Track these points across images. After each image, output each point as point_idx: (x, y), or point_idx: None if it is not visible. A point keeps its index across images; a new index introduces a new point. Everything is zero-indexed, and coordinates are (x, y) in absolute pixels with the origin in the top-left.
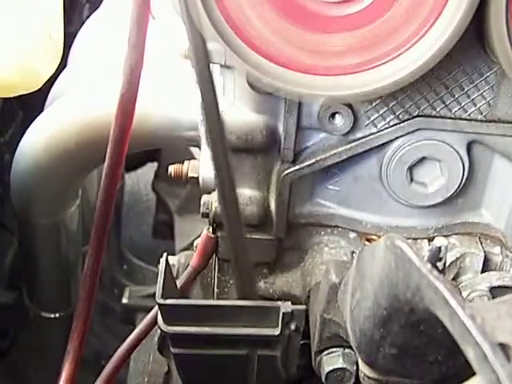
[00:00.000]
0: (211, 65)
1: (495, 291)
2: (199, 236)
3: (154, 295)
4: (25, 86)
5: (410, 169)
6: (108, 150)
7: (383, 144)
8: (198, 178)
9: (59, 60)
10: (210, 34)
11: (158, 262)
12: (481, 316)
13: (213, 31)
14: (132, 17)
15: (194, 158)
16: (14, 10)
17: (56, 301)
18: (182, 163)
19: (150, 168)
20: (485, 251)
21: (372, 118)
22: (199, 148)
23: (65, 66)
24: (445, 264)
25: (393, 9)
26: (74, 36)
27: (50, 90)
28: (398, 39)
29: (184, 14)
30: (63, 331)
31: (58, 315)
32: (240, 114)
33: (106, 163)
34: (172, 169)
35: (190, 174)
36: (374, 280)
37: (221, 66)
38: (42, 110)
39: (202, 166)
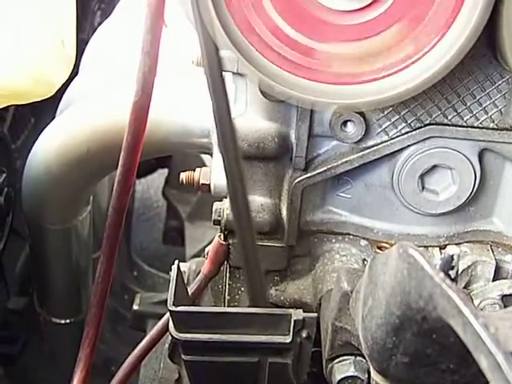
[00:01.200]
0: (224, 72)
1: (507, 299)
2: (210, 243)
3: (164, 302)
4: (38, 93)
5: (422, 177)
6: (121, 157)
7: (395, 152)
8: (209, 185)
9: (72, 67)
10: (223, 42)
11: (169, 269)
12: (494, 325)
13: (225, 39)
14: (146, 24)
15: (205, 165)
16: (27, 18)
17: (67, 307)
18: (194, 170)
19: (161, 174)
20: (496, 259)
21: (384, 126)
22: (211, 155)
23: (77, 72)
24: (457, 272)
25: (404, 17)
26: (86, 43)
27: (61, 96)
28: (410, 48)
29: (197, 21)
30: (74, 337)
31: (68, 321)
32: (252, 121)
33: (118, 171)
34: (184, 176)
35: (201, 181)
36: (387, 288)
37: (233, 73)
38: (53, 117)
39: (213, 173)
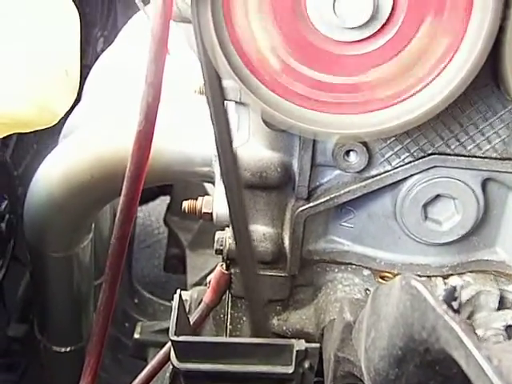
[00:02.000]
0: (226, 101)
1: (511, 330)
2: (212, 271)
3: (166, 330)
4: (41, 122)
5: (425, 206)
6: (124, 186)
7: (398, 181)
8: (211, 213)
9: (75, 96)
10: (225, 72)
11: (170, 296)
12: (497, 357)
13: (228, 69)
14: (150, 54)
15: (208, 194)
16: (31, 47)
17: (67, 335)
18: (196, 199)
19: (162, 201)
20: (500, 289)
21: (386, 156)
22: (213, 184)
23: (79, 98)
24: (460, 303)
25: (406, 49)
26: (89, 69)
27: (64, 122)
28: (412, 78)
29: (200, 51)
30: (74, 365)
31: (68, 349)
32: (254, 150)
33: (121, 200)
34: (186, 204)
35: (203, 210)
36: (390, 319)
37: (236, 102)
38: (56, 143)
39: (215, 201)
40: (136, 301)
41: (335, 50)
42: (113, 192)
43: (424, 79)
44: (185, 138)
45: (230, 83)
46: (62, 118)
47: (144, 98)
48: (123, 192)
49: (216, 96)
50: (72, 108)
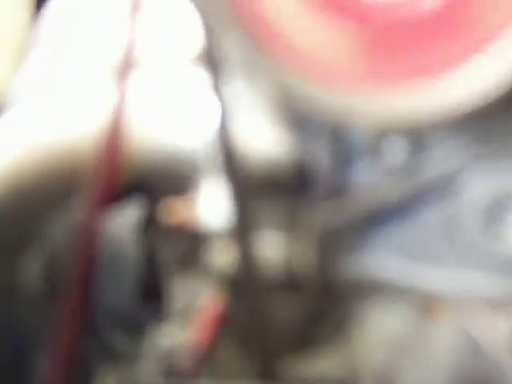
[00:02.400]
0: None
1: None
2: (204, 302)
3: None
4: None
5: (488, 210)
6: (88, 186)
7: (451, 179)
8: (201, 223)
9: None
10: (230, 33)
11: (149, 338)
12: None
13: (234, 28)
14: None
15: (196, 197)
16: None
17: None
18: (181, 203)
19: (135, 208)
20: None
21: (435, 150)
22: (203, 185)
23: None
24: None
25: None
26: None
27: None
28: (472, 43)
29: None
30: None
31: None
32: (263, 139)
33: (85, 204)
34: (167, 211)
35: (191, 219)
36: (440, 369)
37: (240, 77)
38: None
39: (207, 207)
40: (103, 345)
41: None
42: (69, 194)
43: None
44: (170, 122)
45: (235, 48)
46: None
47: (119, 67)
48: (87, 193)
49: (217, 65)
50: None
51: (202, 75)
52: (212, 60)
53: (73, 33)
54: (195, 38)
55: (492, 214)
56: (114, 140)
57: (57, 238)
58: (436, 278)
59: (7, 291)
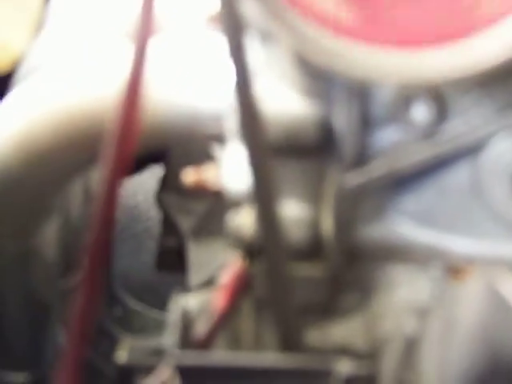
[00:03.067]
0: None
1: None
2: (224, 268)
3: (161, 351)
4: None
5: None
6: (106, 151)
7: (479, 143)
8: (221, 188)
9: (35, 26)
10: None
11: (165, 305)
12: None
13: None
14: None
15: (216, 161)
16: None
17: (24, 356)
18: (200, 168)
19: (152, 173)
20: None
21: (464, 108)
22: (224, 148)
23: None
24: None
25: None
26: None
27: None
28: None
29: None
30: None
31: (23, 379)
32: (285, 100)
33: (103, 170)
34: (187, 175)
35: (211, 183)
36: (467, 331)
37: (261, 35)
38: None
39: (227, 171)
40: (117, 312)
41: None
42: (86, 161)
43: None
44: (187, 85)
45: (252, 7)
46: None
47: (138, 30)
48: (106, 158)
49: (234, 25)
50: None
51: (220, 37)
52: (230, 20)
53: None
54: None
55: None
56: (132, 103)
57: (74, 205)
58: (462, 244)
59: (23, 259)
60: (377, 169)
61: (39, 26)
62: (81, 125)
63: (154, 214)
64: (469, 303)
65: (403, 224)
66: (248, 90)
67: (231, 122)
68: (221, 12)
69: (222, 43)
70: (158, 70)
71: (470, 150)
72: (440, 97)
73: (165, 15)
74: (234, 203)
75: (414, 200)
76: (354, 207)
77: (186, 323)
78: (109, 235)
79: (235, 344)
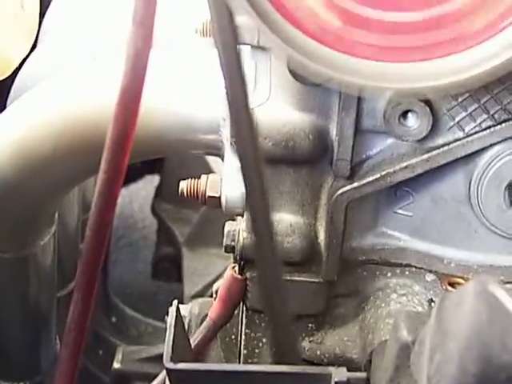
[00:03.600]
0: (240, 46)
1: None
2: (219, 277)
3: (156, 358)
4: None
5: (510, 187)
6: (103, 160)
7: (473, 154)
8: (219, 197)
9: (33, 38)
10: (240, 5)
11: (160, 313)
12: None
13: (243, 1)
14: None
15: (212, 171)
16: None
17: (20, 365)
18: (198, 178)
19: (149, 182)
20: None
21: (457, 119)
22: (221, 158)
23: (35, 45)
24: None
25: None
26: (47, 6)
27: (15, 77)
28: (496, 11)
29: None
30: None
31: None
32: (278, 112)
33: (100, 179)
34: (185, 185)
35: (208, 193)
36: (460, 338)
37: (253, 47)
38: (5, 104)
39: (224, 181)
40: (113, 319)
41: None
42: (82, 170)
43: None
44: (184, 95)
45: (245, 20)
46: (17, 68)
47: (131, 43)
48: (103, 168)
49: (227, 38)
50: (28, 56)
51: (213, 48)
52: (222, 32)
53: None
54: (200, 9)
55: None
56: (128, 113)
57: (71, 213)
58: (456, 254)
59: (20, 267)
60: (371, 178)
61: (38, 35)
62: (78, 134)
63: (149, 223)
64: (461, 309)
65: (397, 233)
66: (242, 100)
67: (227, 133)
68: (213, 23)
69: (216, 54)
70: (155, 80)
71: (465, 162)
72: (433, 108)
73: (159, 25)
74: (230, 212)
75: (407, 209)
76: (349, 216)
77: (182, 332)
78: (105, 244)
79: (230, 352)
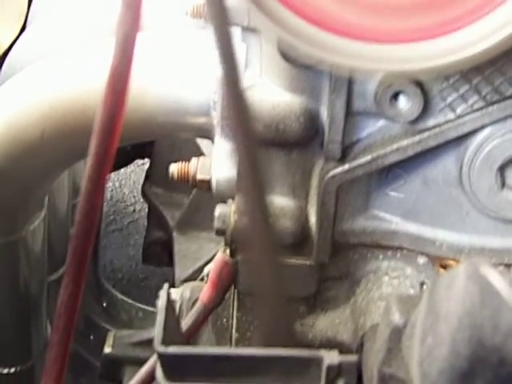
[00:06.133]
0: (231, 27)
1: None
2: (210, 261)
3: (147, 342)
4: None
5: (501, 169)
6: (92, 143)
7: (464, 135)
8: (209, 180)
9: (23, 21)
10: None
11: (150, 298)
12: None
13: None
14: None
15: (203, 154)
16: None
17: (11, 350)
18: (188, 161)
19: (138, 167)
20: None
21: (449, 100)
22: (211, 140)
23: (24, 27)
24: None
25: None
26: None
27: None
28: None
29: None
30: None
31: (13, 370)
32: (269, 94)
33: (89, 162)
34: (175, 168)
35: (198, 176)
36: (452, 320)
37: (243, 28)
38: None
39: (215, 164)
40: (104, 304)
41: None
42: (72, 154)
43: None
44: (174, 78)
45: (235, 1)
46: (6, 51)
47: (120, 25)
48: (92, 151)
49: (219, 19)
50: (17, 39)
51: (206, 29)
52: (216, 13)
53: None
54: None
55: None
56: (117, 97)
57: (60, 198)
58: (448, 236)
59: (10, 251)
60: (362, 160)
61: (27, 18)
62: (66, 118)
63: (140, 208)
64: (453, 291)
65: (389, 215)
66: (235, 81)
67: (218, 115)
68: (207, 4)
69: (209, 36)
70: (145, 62)
71: (456, 143)
72: (424, 89)
73: (148, 8)
74: (220, 195)
75: (399, 191)
76: (340, 199)
77: (173, 315)
78: (94, 227)
79: (222, 336)
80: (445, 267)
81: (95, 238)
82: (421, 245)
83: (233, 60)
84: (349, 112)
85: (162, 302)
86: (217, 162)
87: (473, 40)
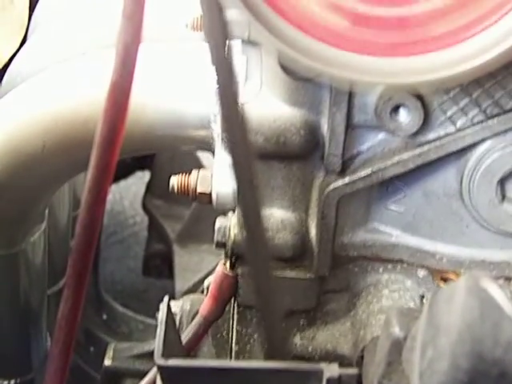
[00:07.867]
0: (230, 40)
1: None
2: (210, 273)
3: (147, 355)
4: None
5: (502, 182)
6: (93, 156)
7: (464, 148)
8: (210, 193)
9: (23, 33)
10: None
11: (150, 310)
12: None
13: None
14: None
15: (203, 167)
16: None
17: (11, 362)
18: (188, 174)
19: (139, 179)
20: None
21: (449, 114)
22: (212, 153)
23: (25, 39)
24: None
25: None
26: (37, 0)
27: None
28: (488, 5)
29: None
30: None
31: (13, 382)
32: (269, 106)
33: (89, 175)
34: (175, 181)
35: (199, 189)
36: (452, 333)
37: (243, 42)
38: None
39: (215, 177)
40: (104, 316)
41: None
42: (73, 167)
43: (502, 6)
44: (174, 90)
45: (235, 15)
46: (6, 63)
47: (121, 38)
48: (92, 163)
49: (217, 32)
50: (17, 51)
51: (203, 41)
52: (213, 27)
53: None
54: (190, 3)
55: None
56: (117, 110)
57: (61, 210)
58: (448, 249)
59: (10, 264)
60: (362, 173)
61: (26, 32)
62: (67, 130)
63: (140, 220)
64: (453, 304)
65: (389, 228)
66: (232, 95)
67: (217, 128)
68: (204, 18)
69: (207, 49)
70: (145, 75)
71: (456, 156)
72: (424, 103)
73: (148, 22)
74: (220, 208)
75: (399, 204)
76: (340, 212)
77: (173, 328)
78: (95, 240)
79: (222, 348)
80: (445, 280)
81: (95, 251)
82: (421, 258)
83: (229, 74)
84: (349, 125)
85: (162, 314)
86: (217, 175)
87: (473, 53)
